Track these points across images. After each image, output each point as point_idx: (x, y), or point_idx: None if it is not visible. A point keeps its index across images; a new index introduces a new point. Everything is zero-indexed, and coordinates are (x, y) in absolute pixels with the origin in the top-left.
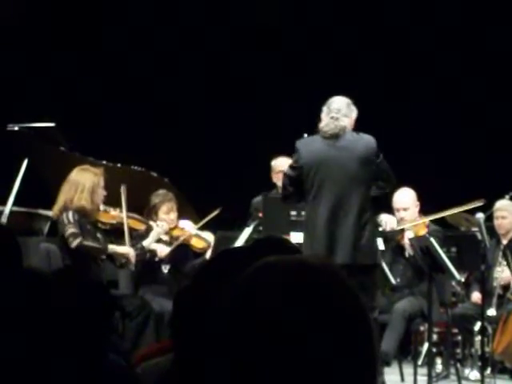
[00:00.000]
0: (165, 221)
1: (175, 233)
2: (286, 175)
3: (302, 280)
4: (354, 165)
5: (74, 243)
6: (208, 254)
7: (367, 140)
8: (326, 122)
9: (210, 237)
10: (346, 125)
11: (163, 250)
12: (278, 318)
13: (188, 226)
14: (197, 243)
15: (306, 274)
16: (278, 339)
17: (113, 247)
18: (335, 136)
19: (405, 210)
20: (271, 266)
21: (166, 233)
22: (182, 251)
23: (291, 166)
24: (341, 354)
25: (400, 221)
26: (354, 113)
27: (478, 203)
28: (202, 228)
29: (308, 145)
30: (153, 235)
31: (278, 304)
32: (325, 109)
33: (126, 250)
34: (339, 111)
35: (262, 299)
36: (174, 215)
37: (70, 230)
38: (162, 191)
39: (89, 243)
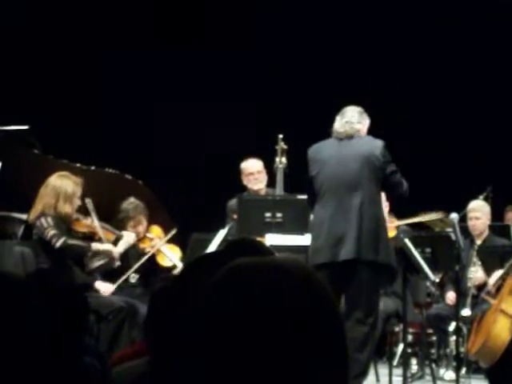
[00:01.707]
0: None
1: (142, 244)
2: (307, 191)
3: (271, 281)
4: (357, 163)
5: (59, 243)
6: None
7: (375, 141)
8: (337, 123)
9: (176, 257)
10: (360, 129)
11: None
12: (249, 318)
13: (156, 240)
14: (162, 261)
15: (275, 275)
16: (248, 340)
17: (96, 245)
18: (349, 137)
19: None
20: (241, 268)
21: (134, 245)
22: (151, 265)
23: (308, 180)
24: (311, 355)
25: None
26: (367, 120)
27: (437, 216)
28: (173, 240)
29: (316, 150)
30: (121, 244)
31: (249, 305)
32: (338, 118)
33: (108, 246)
34: (353, 117)
35: (232, 300)
36: (141, 227)
37: (52, 231)
38: (129, 203)
39: (73, 241)
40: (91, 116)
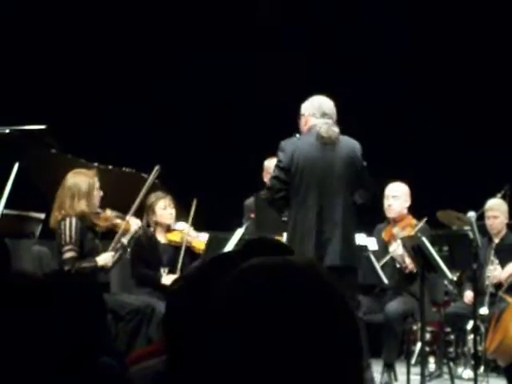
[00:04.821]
0: (162, 216)
1: (174, 236)
2: (275, 178)
3: (287, 280)
4: (340, 165)
5: (73, 269)
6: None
7: (353, 142)
8: (323, 128)
9: (206, 237)
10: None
11: (168, 279)
12: (263, 318)
13: (185, 227)
14: (198, 244)
15: (291, 275)
16: (263, 340)
17: (99, 260)
18: (332, 143)
19: (394, 197)
20: (257, 267)
21: (166, 238)
22: (189, 256)
23: (280, 168)
24: (328, 353)
25: (388, 208)
26: (335, 115)
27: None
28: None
29: (294, 145)
30: (130, 232)
31: (264, 305)
32: (313, 110)
33: (104, 260)
34: (332, 117)
35: (245, 300)
36: (171, 211)
37: (69, 253)
38: (156, 192)
39: (84, 265)
40: (104, 115)
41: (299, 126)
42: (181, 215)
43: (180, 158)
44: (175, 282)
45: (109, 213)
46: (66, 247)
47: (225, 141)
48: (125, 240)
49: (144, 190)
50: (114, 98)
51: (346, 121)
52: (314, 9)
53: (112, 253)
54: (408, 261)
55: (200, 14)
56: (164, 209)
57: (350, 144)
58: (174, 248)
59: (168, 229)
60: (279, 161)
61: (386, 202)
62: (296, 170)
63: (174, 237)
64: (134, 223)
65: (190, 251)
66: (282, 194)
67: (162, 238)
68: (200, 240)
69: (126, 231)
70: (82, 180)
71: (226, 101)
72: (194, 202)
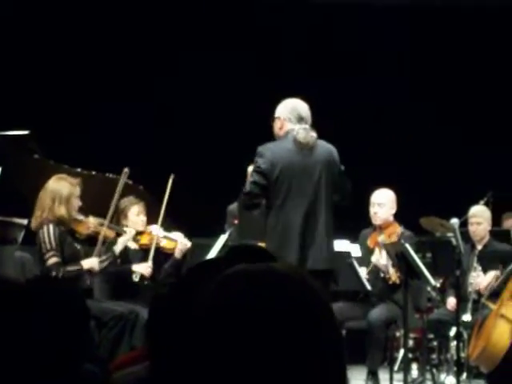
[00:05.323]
0: (135, 222)
1: (144, 238)
2: (254, 183)
3: (270, 287)
4: (319, 169)
5: (60, 274)
6: (176, 253)
7: (330, 147)
8: (301, 133)
9: (178, 236)
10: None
11: (147, 269)
12: (248, 325)
13: (155, 230)
14: (167, 244)
15: (274, 282)
16: (246, 347)
17: (85, 263)
18: (310, 149)
19: (379, 205)
20: (240, 274)
21: (135, 239)
22: (155, 258)
23: (259, 173)
24: (311, 360)
25: (373, 215)
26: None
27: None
28: (171, 228)
29: (272, 150)
30: (121, 241)
31: (247, 312)
32: (289, 114)
33: (91, 264)
34: (307, 121)
35: (230, 307)
36: (143, 217)
37: (52, 259)
38: (129, 196)
39: (70, 268)
40: (87, 119)
41: (273, 129)
42: (164, 225)
43: (162, 162)
44: (160, 287)
45: (91, 220)
46: (48, 254)
47: (209, 144)
48: (116, 249)
49: (117, 195)
50: (102, 99)
51: (324, 125)
52: (313, 9)
53: (97, 258)
54: (392, 271)
55: (200, 14)
56: (137, 215)
57: (327, 149)
58: (145, 251)
59: (138, 231)
60: (258, 166)
61: (372, 210)
62: (275, 175)
63: (144, 239)
64: (130, 233)
65: (162, 252)
66: (260, 199)
67: (131, 243)
68: (172, 239)
69: (107, 238)
70: (64, 185)
71: (214, 105)
72: (170, 180)
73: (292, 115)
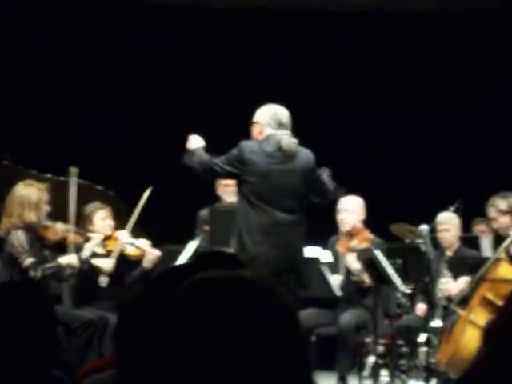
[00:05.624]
0: (102, 227)
1: (111, 244)
2: (223, 169)
3: (236, 294)
4: (297, 176)
5: (39, 273)
6: (145, 262)
7: (309, 153)
8: (284, 140)
9: (144, 243)
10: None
11: (107, 265)
12: (213, 331)
13: (121, 235)
14: (132, 252)
15: (241, 289)
16: (212, 353)
17: (63, 259)
18: (292, 155)
19: (346, 211)
20: (206, 281)
21: (103, 245)
22: (121, 263)
23: (231, 163)
24: (277, 366)
25: (340, 222)
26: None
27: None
28: (140, 234)
29: (253, 150)
30: (88, 246)
31: (212, 318)
32: (269, 119)
33: (70, 259)
34: (288, 127)
35: (196, 314)
36: (110, 222)
37: (28, 260)
38: (94, 202)
39: (49, 265)
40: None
41: (251, 134)
42: (139, 234)
43: (134, 167)
44: (128, 294)
45: (59, 225)
46: (23, 256)
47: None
48: (83, 254)
49: (71, 199)
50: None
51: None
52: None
53: (75, 255)
54: (365, 275)
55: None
56: (103, 219)
57: (306, 155)
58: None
59: (105, 236)
60: (234, 156)
61: (339, 216)
62: (253, 176)
63: (111, 245)
64: (97, 238)
65: (127, 260)
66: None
67: (99, 248)
68: (138, 247)
69: (76, 244)
70: (32, 191)
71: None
72: (147, 192)
73: (272, 120)
